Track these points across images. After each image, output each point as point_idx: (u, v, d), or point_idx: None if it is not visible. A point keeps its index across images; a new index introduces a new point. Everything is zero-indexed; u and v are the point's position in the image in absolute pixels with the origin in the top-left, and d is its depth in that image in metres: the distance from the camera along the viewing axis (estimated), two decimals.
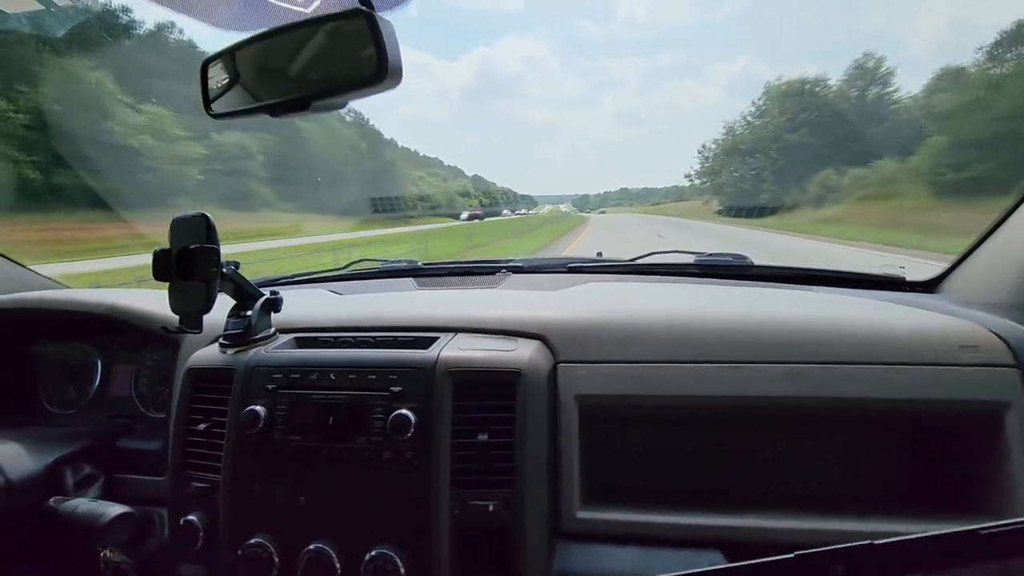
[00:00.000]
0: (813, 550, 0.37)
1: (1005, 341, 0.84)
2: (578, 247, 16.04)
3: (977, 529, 0.36)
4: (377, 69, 0.67)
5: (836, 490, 0.89)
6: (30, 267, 1.42)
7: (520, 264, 1.50)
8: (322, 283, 1.54)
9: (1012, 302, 0.96)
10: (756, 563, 0.37)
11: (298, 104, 0.76)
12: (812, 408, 0.85)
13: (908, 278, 1.25)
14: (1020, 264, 0.97)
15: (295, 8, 0.79)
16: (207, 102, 0.84)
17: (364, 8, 0.68)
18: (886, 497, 0.87)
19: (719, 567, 0.37)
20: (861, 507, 0.82)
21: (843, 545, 0.36)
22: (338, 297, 1.35)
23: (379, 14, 0.70)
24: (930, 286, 1.20)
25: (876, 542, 0.36)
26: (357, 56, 0.69)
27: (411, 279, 1.48)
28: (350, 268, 1.64)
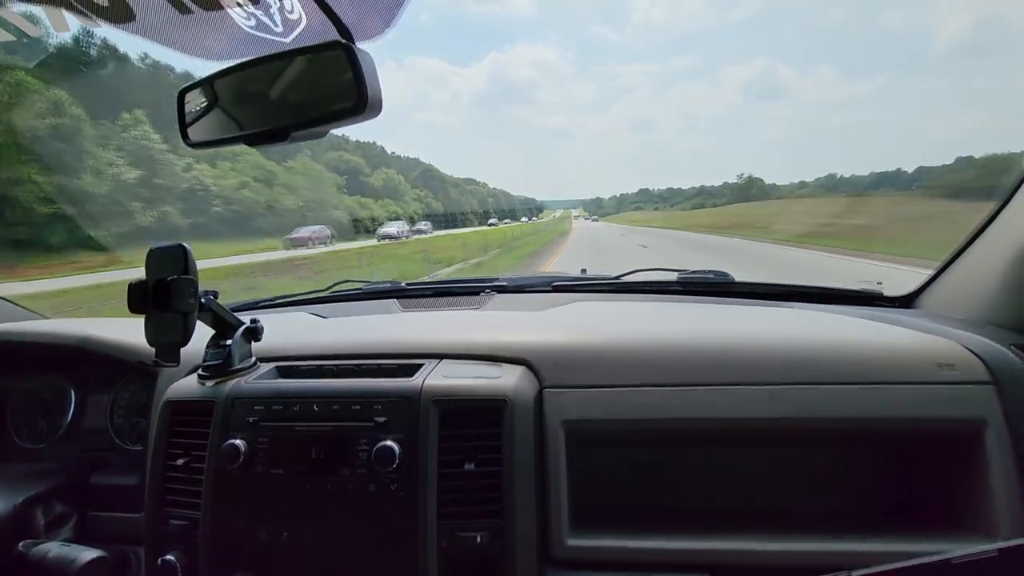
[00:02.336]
0: None
1: (980, 358, 0.85)
2: None
3: (948, 559, 0.36)
4: (356, 100, 0.67)
5: (821, 510, 0.89)
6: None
7: (504, 283, 1.50)
8: (305, 306, 1.52)
9: (987, 318, 0.98)
10: None
11: (277, 134, 0.75)
12: (796, 429, 0.85)
13: (885, 293, 1.27)
14: (994, 279, 0.99)
15: (274, 39, 0.79)
16: (184, 130, 0.83)
17: (342, 40, 0.68)
18: (871, 516, 0.88)
19: None
20: (846, 527, 0.83)
21: None
22: (321, 321, 1.33)
23: (358, 45, 0.70)
24: (907, 301, 1.23)
25: (852, 573, 0.36)
26: (336, 87, 0.70)
27: (395, 300, 1.47)
28: (332, 290, 1.62)
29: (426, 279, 1.69)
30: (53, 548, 0.84)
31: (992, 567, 0.38)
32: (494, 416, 0.82)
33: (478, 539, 0.78)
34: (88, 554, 0.82)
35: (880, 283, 1.29)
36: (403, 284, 1.58)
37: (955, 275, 1.12)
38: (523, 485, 0.81)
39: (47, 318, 1.40)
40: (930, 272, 1.20)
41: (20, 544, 0.86)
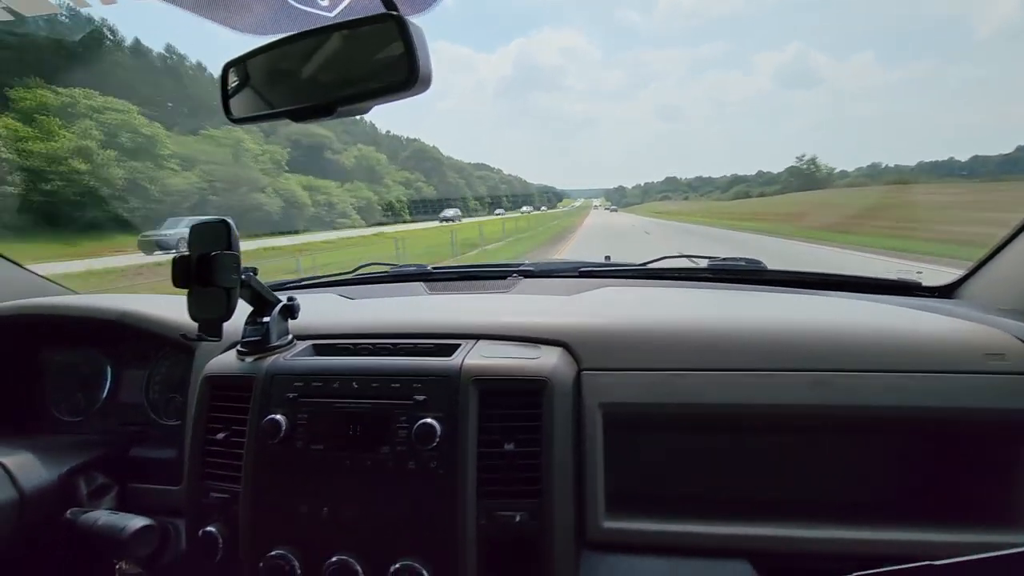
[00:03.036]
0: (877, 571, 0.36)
1: None
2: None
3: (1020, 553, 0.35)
4: (408, 74, 0.66)
5: (862, 499, 0.88)
6: (34, 270, 1.40)
7: (531, 268, 1.49)
8: (331, 287, 1.53)
9: None
10: None
11: (322, 109, 0.75)
12: (838, 417, 0.84)
13: (925, 283, 1.24)
14: None
15: (319, 12, 0.79)
16: (227, 105, 0.83)
17: (393, 12, 0.67)
18: (913, 506, 0.86)
19: None
20: (888, 516, 0.82)
21: (899, 567, 0.35)
22: (349, 302, 1.33)
23: (409, 18, 0.69)
24: (947, 291, 1.20)
25: (935, 563, 0.35)
26: (386, 61, 0.69)
27: (421, 283, 1.47)
28: (359, 272, 1.63)
29: (451, 263, 1.68)
30: (102, 516, 0.86)
31: None
32: (534, 397, 0.82)
33: (517, 519, 0.78)
34: (137, 522, 0.84)
35: (920, 272, 1.27)
36: (429, 267, 1.58)
37: (999, 266, 1.09)
38: (561, 467, 0.81)
39: (78, 293, 1.42)
40: (971, 263, 1.17)
41: (68, 512, 0.88)
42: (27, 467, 0.90)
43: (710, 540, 0.81)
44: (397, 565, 0.77)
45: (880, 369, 0.84)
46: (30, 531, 0.87)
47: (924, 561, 0.47)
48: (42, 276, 1.41)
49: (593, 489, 0.83)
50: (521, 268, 1.49)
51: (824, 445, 0.90)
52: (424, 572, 0.76)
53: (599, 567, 0.81)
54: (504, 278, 1.45)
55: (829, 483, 0.90)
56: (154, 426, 1.15)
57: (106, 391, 1.22)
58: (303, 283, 1.58)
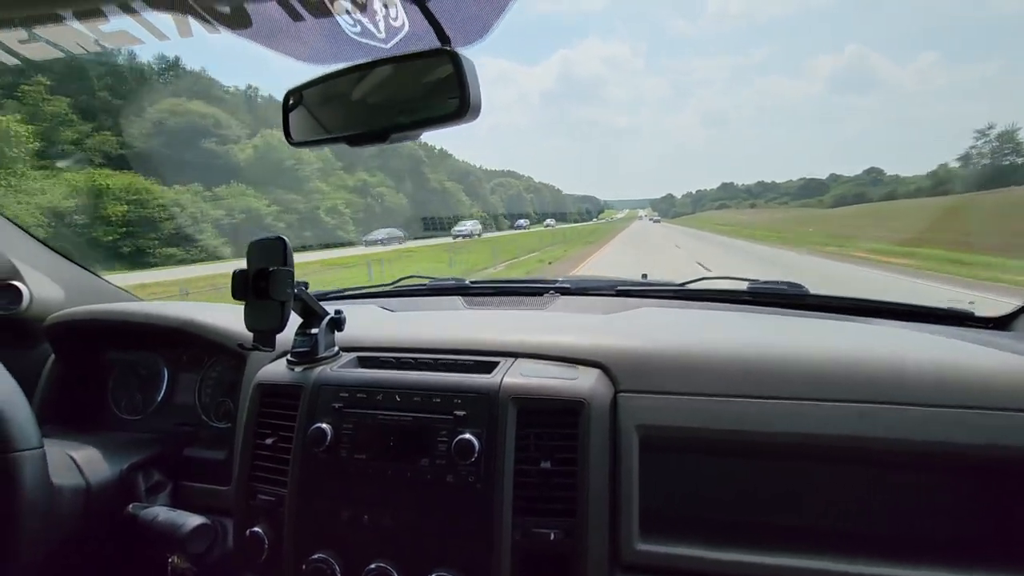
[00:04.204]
0: None
1: None
2: None
3: None
4: (460, 105, 0.69)
5: (906, 535, 0.86)
6: (105, 278, 1.50)
7: (568, 286, 1.50)
8: (372, 299, 1.58)
9: None
10: None
11: (377, 136, 0.79)
12: (883, 450, 0.82)
13: (977, 313, 1.20)
14: None
15: (376, 44, 0.83)
16: (288, 131, 0.88)
17: (447, 48, 0.71)
18: (960, 546, 0.83)
19: None
20: (933, 555, 0.79)
21: None
22: (390, 314, 1.38)
23: (460, 50, 0.73)
24: (1002, 324, 1.16)
25: None
26: (438, 91, 0.73)
27: (459, 298, 1.50)
28: (398, 284, 1.67)
29: (489, 278, 1.71)
30: (161, 512, 0.91)
31: None
32: (571, 417, 0.84)
33: (551, 536, 0.79)
34: (194, 520, 0.89)
35: (972, 302, 1.22)
36: (467, 281, 1.62)
37: None
38: (597, 487, 0.82)
39: (142, 300, 1.52)
40: None
41: (131, 506, 0.94)
42: (93, 461, 0.97)
43: (743, 568, 0.80)
44: (433, 575, 0.79)
45: (930, 404, 0.81)
46: (94, 520, 0.93)
47: None
48: (113, 284, 1.51)
49: (628, 511, 0.84)
50: (558, 285, 1.51)
51: (867, 478, 0.88)
52: None
53: None
54: (541, 295, 1.47)
55: (869, 518, 0.87)
56: (204, 427, 1.22)
57: (162, 392, 1.29)
58: (345, 294, 1.63)
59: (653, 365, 0.92)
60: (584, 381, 0.88)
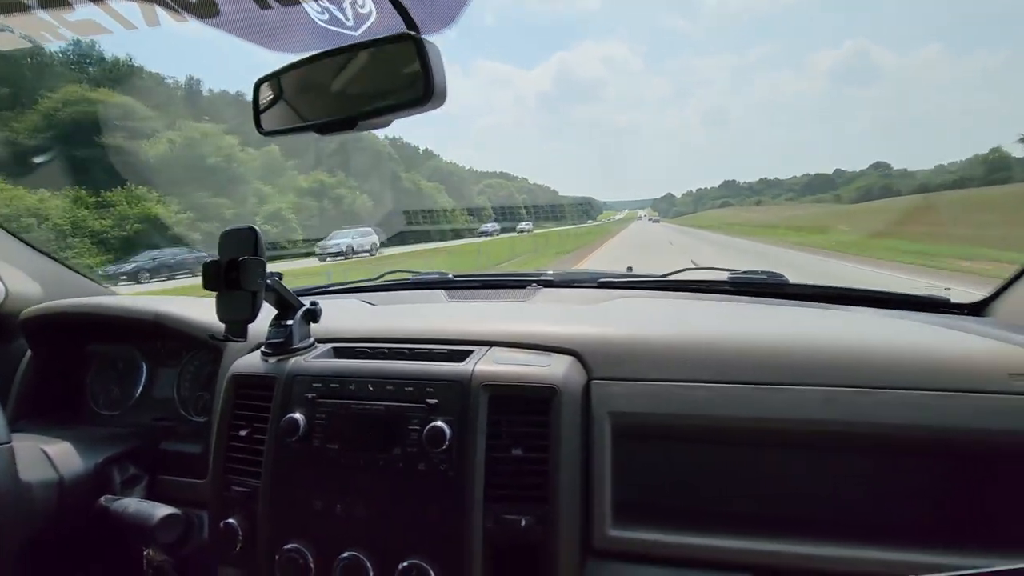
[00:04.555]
0: None
1: None
2: None
3: (981, 573, 0.35)
4: (424, 91, 0.69)
5: (873, 518, 0.86)
6: (84, 274, 1.49)
7: (551, 278, 1.51)
8: (356, 293, 1.58)
9: None
10: None
11: (346, 123, 0.79)
12: (851, 434, 0.83)
13: (953, 300, 1.21)
14: None
15: (345, 32, 0.83)
16: (258, 120, 0.88)
17: (412, 33, 0.71)
18: (928, 527, 0.84)
19: None
20: (899, 536, 0.80)
21: None
22: (372, 308, 1.37)
23: (425, 37, 0.73)
24: (976, 309, 1.17)
25: None
26: (404, 78, 0.73)
27: (442, 291, 1.50)
28: (382, 279, 1.68)
29: (473, 271, 1.71)
30: (132, 503, 0.91)
31: None
32: (543, 404, 0.84)
33: (522, 523, 0.80)
34: (164, 510, 0.89)
35: (948, 288, 1.23)
36: (451, 275, 1.62)
37: None
38: (568, 474, 0.82)
39: (120, 294, 1.51)
40: (1001, 280, 1.13)
41: (102, 498, 0.93)
42: (67, 455, 0.97)
43: (715, 553, 0.81)
44: (405, 563, 0.79)
45: (896, 386, 0.82)
46: (68, 514, 0.93)
47: None
48: (93, 279, 1.50)
49: (600, 497, 0.84)
50: (542, 278, 1.51)
51: (835, 462, 0.89)
52: (431, 571, 0.78)
53: (604, 575, 0.82)
54: (524, 287, 1.47)
55: (838, 501, 0.88)
56: (183, 422, 1.21)
57: (141, 387, 1.29)
58: (330, 288, 1.63)
59: (627, 352, 0.92)
60: (556, 368, 0.88)
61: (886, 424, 0.81)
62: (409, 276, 1.66)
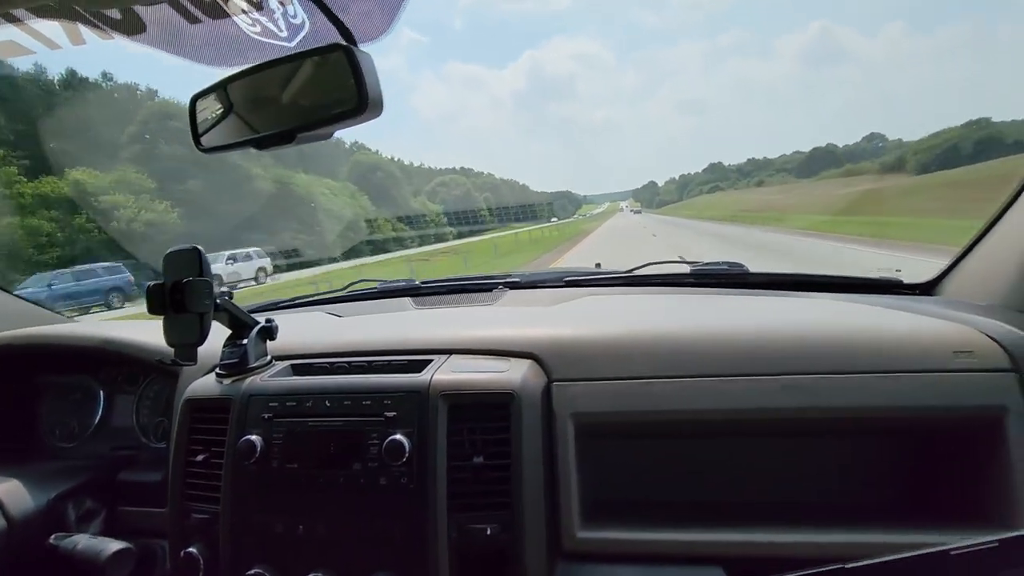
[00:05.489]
0: None
1: (1001, 345, 0.83)
2: None
3: (947, 550, 0.36)
4: (358, 102, 0.68)
5: (836, 501, 0.88)
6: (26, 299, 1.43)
7: (517, 279, 1.50)
8: (322, 305, 1.55)
9: (1008, 303, 0.95)
10: None
11: (284, 136, 0.77)
12: (808, 420, 0.84)
13: (906, 280, 1.24)
14: (1015, 264, 0.96)
15: (279, 44, 0.81)
16: (196, 137, 0.86)
17: (343, 43, 0.69)
18: (888, 507, 0.86)
19: None
20: (862, 518, 0.82)
21: (811, 572, 0.36)
22: (336, 320, 1.35)
23: (361, 46, 0.71)
24: (927, 288, 1.20)
25: (847, 566, 0.36)
26: (339, 89, 0.71)
27: (409, 299, 1.49)
28: (349, 290, 1.65)
29: (440, 277, 1.70)
30: (82, 540, 0.88)
31: (992, 558, 0.37)
32: (501, 410, 0.83)
33: (488, 531, 0.79)
34: (114, 545, 0.86)
35: (899, 270, 1.26)
36: (417, 282, 1.60)
37: (975, 260, 1.09)
38: (532, 478, 0.81)
39: (72, 320, 1.46)
40: (950, 259, 1.17)
41: (52, 537, 0.90)
42: (15, 494, 0.93)
43: (684, 547, 0.81)
44: None
45: (846, 371, 0.84)
46: (16, 556, 0.89)
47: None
48: (33, 303, 1.44)
49: (567, 499, 0.84)
50: (508, 280, 1.51)
51: (796, 449, 0.90)
52: None
53: None
54: (490, 290, 1.46)
55: (801, 487, 0.90)
56: (144, 449, 1.18)
57: (98, 416, 1.24)
58: (296, 302, 1.60)
59: (585, 352, 0.92)
60: (514, 373, 0.87)
61: (841, 408, 0.82)
62: (375, 285, 1.64)
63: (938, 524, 0.79)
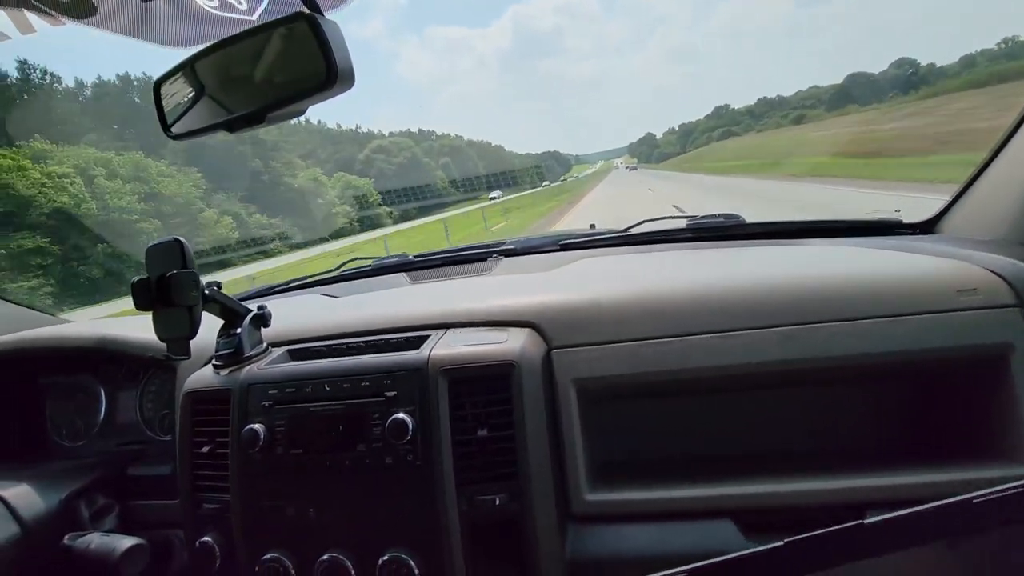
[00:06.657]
0: (802, 536, 0.36)
1: (1005, 280, 0.81)
2: None
3: (970, 498, 0.35)
4: (327, 74, 0.64)
5: (843, 448, 0.88)
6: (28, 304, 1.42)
7: (512, 246, 1.48)
8: (316, 287, 1.54)
9: (1011, 238, 0.93)
10: (749, 553, 0.36)
11: (254, 117, 0.74)
12: (810, 370, 0.83)
13: (905, 220, 1.22)
14: (1017, 196, 0.94)
15: (241, 18, 0.77)
16: (164, 124, 0.82)
17: (306, 11, 0.65)
18: (895, 451, 0.86)
19: (711, 561, 0.36)
20: (870, 463, 0.82)
21: (831, 528, 0.35)
22: (332, 301, 1.34)
23: (325, 15, 0.67)
24: (928, 227, 1.18)
25: (865, 521, 0.35)
26: (306, 62, 0.67)
27: (403, 274, 1.47)
28: (342, 269, 1.63)
29: (434, 249, 1.68)
30: (95, 539, 0.88)
31: (1016, 503, 0.36)
32: (502, 380, 0.83)
33: (497, 501, 0.79)
34: (127, 542, 0.86)
35: (898, 210, 1.24)
36: (411, 256, 1.58)
37: (976, 196, 1.06)
38: (537, 446, 0.81)
39: (65, 321, 1.45)
40: (951, 195, 1.14)
41: (66, 537, 0.91)
42: (27, 498, 0.93)
43: (693, 503, 0.82)
44: (385, 557, 0.79)
45: (848, 317, 0.82)
46: (32, 559, 0.90)
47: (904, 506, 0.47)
48: (30, 307, 1.43)
49: (573, 464, 0.84)
50: (502, 247, 1.49)
51: (800, 399, 0.90)
52: (411, 562, 0.78)
53: (585, 538, 0.83)
54: (485, 259, 1.45)
55: (808, 436, 0.90)
56: (151, 443, 1.18)
57: (103, 414, 1.25)
58: (289, 286, 1.59)
59: (583, 318, 0.91)
60: (513, 343, 0.86)
61: (845, 356, 0.81)
62: (369, 263, 1.62)
63: (945, 464, 0.79)
